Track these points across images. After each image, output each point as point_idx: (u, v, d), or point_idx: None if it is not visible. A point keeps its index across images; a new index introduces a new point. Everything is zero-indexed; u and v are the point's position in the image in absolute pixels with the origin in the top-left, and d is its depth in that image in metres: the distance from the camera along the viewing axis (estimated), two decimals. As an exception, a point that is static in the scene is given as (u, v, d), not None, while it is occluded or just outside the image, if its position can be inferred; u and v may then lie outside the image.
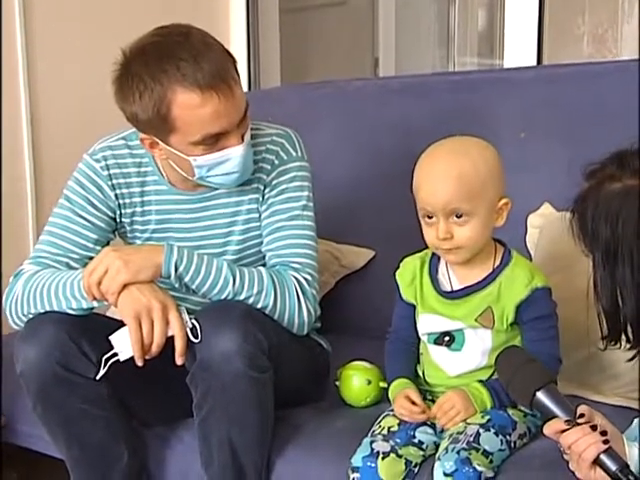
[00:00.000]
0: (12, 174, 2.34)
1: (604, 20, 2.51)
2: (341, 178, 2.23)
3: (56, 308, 1.50)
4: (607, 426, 1.13)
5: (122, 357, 1.42)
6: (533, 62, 2.35)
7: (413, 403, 1.39)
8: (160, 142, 1.50)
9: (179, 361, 1.40)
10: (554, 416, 1.16)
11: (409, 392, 1.40)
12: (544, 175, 1.88)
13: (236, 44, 2.94)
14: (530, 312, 1.38)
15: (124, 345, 1.41)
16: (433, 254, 1.47)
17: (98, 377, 1.44)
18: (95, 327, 1.47)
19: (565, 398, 1.18)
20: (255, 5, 3.02)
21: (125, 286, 1.42)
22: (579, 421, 1.12)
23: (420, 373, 1.49)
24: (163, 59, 1.41)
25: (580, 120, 1.89)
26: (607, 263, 1.12)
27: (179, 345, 1.40)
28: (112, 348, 1.42)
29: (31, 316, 1.53)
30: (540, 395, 1.17)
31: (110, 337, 1.42)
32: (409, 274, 1.48)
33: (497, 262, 1.41)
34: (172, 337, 1.42)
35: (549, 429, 1.15)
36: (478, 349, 1.39)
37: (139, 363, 1.40)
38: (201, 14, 2.76)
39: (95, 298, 1.44)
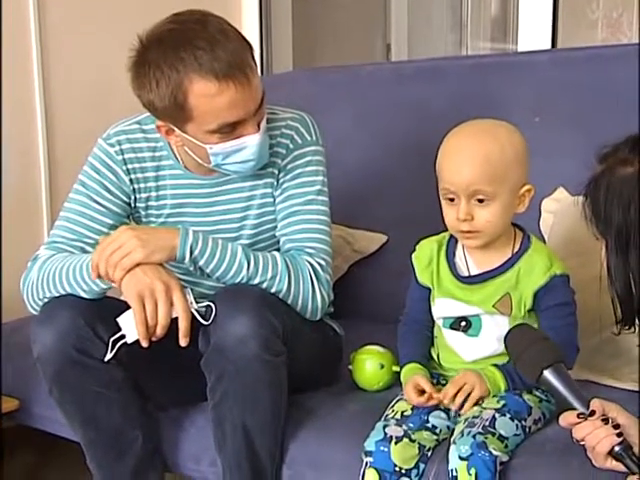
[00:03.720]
0: (26, 159, 2.35)
1: (619, 4, 2.49)
2: (353, 163, 2.23)
3: (69, 291, 1.51)
4: (622, 416, 1.12)
5: (129, 339, 1.42)
6: (547, 47, 2.34)
7: (423, 391, 1.39)
8: (176, 129, 1.50)
9: (182, 342, 1.40)
10: (560, 395, 1.16)
11: (418, 379, 1.40)
12: (558, 159, 1.87)
13: (248, 28, 2.93)
14: (548, 299, 1.38)
15: (131, 327, 1.41)
16: (450, 238, 1.46)
17: (106, 359, 1.44)
18: (110, 311, 1.46)
19: (572, 379, 1.18)
20: (267, -10, 3.02)
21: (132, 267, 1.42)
22: (590, 418, 1.12)
23: (435, 356, 1.49)
24: (180, 47, 1.40)
25: (595, 104, 1.88)
26: (620, 247, 1.11)
27: (182, 326, 1.40)
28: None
29: (46, 300, 1.54)
30: (547, 373, 1.16)
31: (117, 319, 1.42)
32: (426, 257, 1.48)
33: (516, 248, 1.41)
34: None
35: (564, 421, 1.15)
36: (495, 335, 1.39)
37: (144, 344, 1.40)
38: (214, -2, 2.76)
39: (99, 276, 1.44)
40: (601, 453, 1.11)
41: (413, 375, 1.42)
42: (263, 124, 1.51)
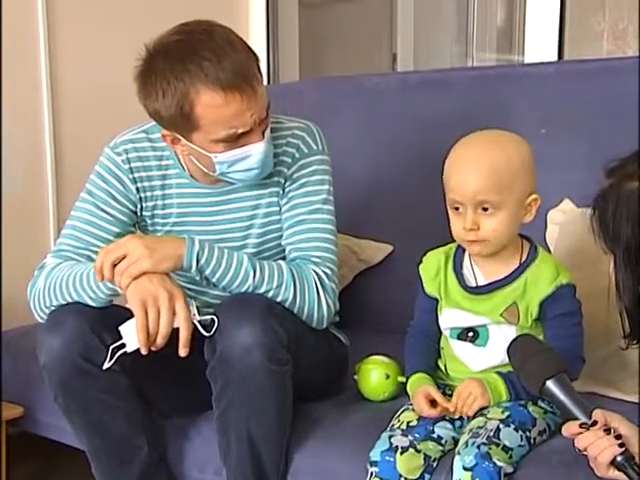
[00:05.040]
0: (33, 168, 2.36)
1: (624, 16, 2.50)
2: (360, 173, 2.23)
3: (76, 299, 1.51)
4: (625, 426, 1.13)
5: (129, 348, 1.42)
6: (554, 58, 2.34)
7: (433, 401, 1.39)
8: (182, 139, 1.50)
9: (182, 352, 1.40)
10: (563, 405, 1.17)
11: (429, 390, 1.40)
12: (564, 171, 1.87)
13: (256, 38, 2.94)
14: (554, 308, 1.38)
15: (132, 336, 1.41)
16: (457, 248, 1.47)
17: (104, 367, 1.44)
18: (116, 319, 1.46)
19: (575, 389, 1.19)
20: (275, 0, 3.03)
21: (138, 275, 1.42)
22: (592, 429, 1.12)
23: (442, 367, 1.49)
24: (186, 58, 1.41)
25: (601, 116, 1.88)
26: (628, 263, 1.11)
27: (183, 336, 1.40)
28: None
29: (53, 308, 1.54)
30: (550, 384, 1.17)
31: (120, 327, 1.43)
32: (433, 268, 1.48)
33: (523, 258, 1.41)
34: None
35: (566, 431, 1.16)
36: (502, 345, 1.37)
37: (143, 352, 1.40)
38: (221, 8, 2.77)
39: (103, 278, 1.44)
40: (603, 463, 1.11)
41: (422, 385, 1.42)
42: (267, 133, 1.51)
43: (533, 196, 1.37)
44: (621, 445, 1.10)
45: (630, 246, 1.10)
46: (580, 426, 1.14)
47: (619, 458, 1.10)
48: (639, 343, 1.17)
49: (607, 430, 1.11)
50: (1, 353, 1.88)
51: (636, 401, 1.49)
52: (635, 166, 1.11)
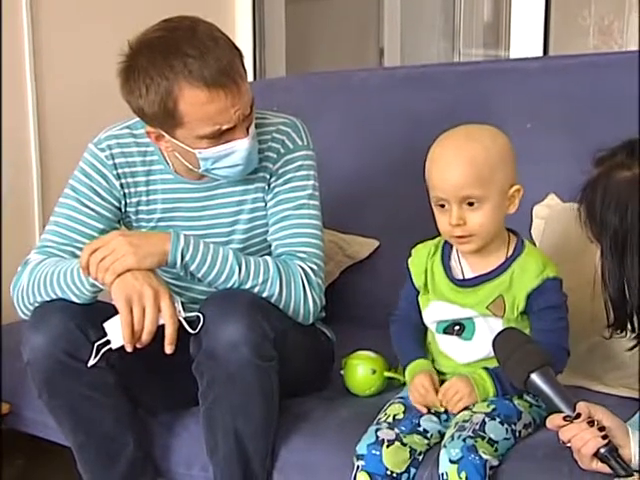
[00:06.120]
0: (18, 164, 2.35)
1: (610, 11, 2.51)
2: (346, 168, 2.23)
3: (60, 296, 1.50)
4: (608, 419, 1.14)
5: (114, 345, 1.41)
6: (539, 54, 2.35)
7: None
8: (166, 135, 1.50)
9: (167, 350, 1.39)
10: (548, 398, 1.18)
11: (433, 376, 1.41)
12: (550, 166, 1.88)
13: (242, 34, 2.94)
14: (540, 302, 1.38)
15: (117, 332, 1.40)
16: (446, 241, 1.47)
17: (89, 365, 1.44)
18: (101, 315, 1.45)
19: (559, 382, 1.20)
20: (261, -5, 3.03)
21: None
22: (576, 421, 1.13)
23: (429, 361, 1.49)
24: (169, 54, 1.40)
25: (586, 111, 1.89)
26: (615, 252, 1.12)
27: (168, 333, 1.40)
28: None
29: (37, 305, 1.53)
30: (534, 377, 1.19)
31: (104, 324, 1.42)
32: (422, 262, 1.48)
33: (510, 251, 1.42)
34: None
35: (550, 423, 1.17)
36: (488, 338, 1.37)
37: (128, 349, 1.39)
38: (207, 3, 2.76)
39: (89, 273, 1.43)
40: (586, 455, 1.13)
41: (423, 371, 1.42)
42: (252, 129, 1.51)
43: (515, 187, 1.38)
44: (604, 437, 1.11)
45: (617, 235, 1.11)
46: (564, 418, 1.15)
47: (602, 450, 1.11)
48: (622, 333, 1.18)
49: (591, 422, 1.12)
50: (1, 351, 1.86)
51: (620, 394, 1.50)
52: (623, 156, 1.12)
